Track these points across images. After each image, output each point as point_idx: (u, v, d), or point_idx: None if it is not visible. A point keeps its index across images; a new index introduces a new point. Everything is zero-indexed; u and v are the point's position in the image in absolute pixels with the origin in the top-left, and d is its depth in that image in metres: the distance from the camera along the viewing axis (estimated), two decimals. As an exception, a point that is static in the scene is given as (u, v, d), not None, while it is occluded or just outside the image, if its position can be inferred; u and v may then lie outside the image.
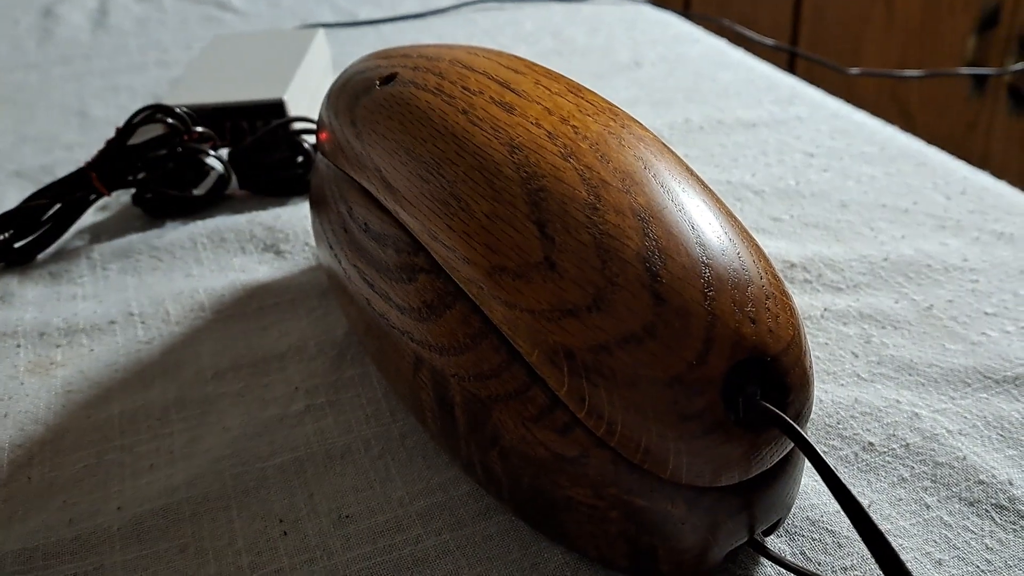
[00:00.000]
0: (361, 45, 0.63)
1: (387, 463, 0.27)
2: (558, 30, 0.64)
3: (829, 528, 0.24)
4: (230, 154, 0.42)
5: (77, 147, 0.49)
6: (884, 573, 0.17)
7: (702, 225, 0.21)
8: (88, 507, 0.26)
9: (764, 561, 0.23)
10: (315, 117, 0.47)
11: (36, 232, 0.39)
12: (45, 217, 0.39)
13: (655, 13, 0.67)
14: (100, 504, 0.26)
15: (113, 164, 0.39)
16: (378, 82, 0.28)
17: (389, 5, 0.71)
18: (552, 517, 0.23)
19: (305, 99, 0.49)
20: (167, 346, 0.33)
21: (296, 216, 0.40)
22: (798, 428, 0.19)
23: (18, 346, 0.33)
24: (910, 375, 0.29)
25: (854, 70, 0.73)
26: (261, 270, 0.37)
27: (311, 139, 0.43)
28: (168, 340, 0.33)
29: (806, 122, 0.48)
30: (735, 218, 0.22)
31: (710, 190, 0.23)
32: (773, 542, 0.24)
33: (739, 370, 0.19)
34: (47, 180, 0.46)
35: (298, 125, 0.44)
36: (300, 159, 0.43)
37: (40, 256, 0.39)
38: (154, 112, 0.39)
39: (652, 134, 0.24)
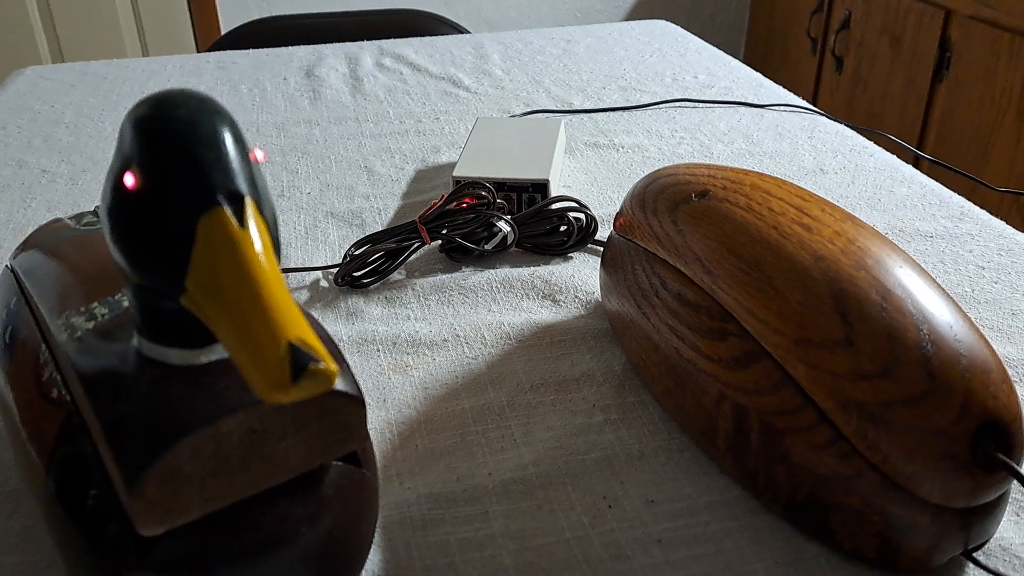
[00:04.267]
0: (580, 131, 0.75)
1: (673, 468, 0.37)
2: (748, 132, 0.75)
3: (1017, 555, 0.33)
4: (512, 219, 0.54)
5: (373, 197, 0.63)
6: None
7: (955, 326, 0.31)
8: (466, 471, 0.37)
9: (969, 569, 0.32)
10: (566, 195, 0.58)
11: (372, 265, 0.51)
12: (376, 256, 0.51)
13: (831, 124, 0.77)
14: (474, 470, 0.37)
15: (436, 221, 0.51)
16: (694, 195, 0.39)
17: (595, 95, 0.84)
18: (820, 517, 0.32)
19: (555, 177, 0.61)
20: (489, 362, 0.44)
21: (565, 273, 0.52)
22: (1022, 473, 0.28)
23: (378, 351, 0.46)
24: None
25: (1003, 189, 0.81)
26: (543, 313, 0.49)
27: (572, 215, 0.55)
28: (488, 358, 0.45)
29: (976, 238, 0.57)
30: (971, 320, 0.32)
31: (952, 298, 0.32)
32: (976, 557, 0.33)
33: (983, 430, 0.29)
34: (357, 222, 0.59)
35: (561, 204, 0.56)
36: (562, 228, 0.54)
37: (372, 285, 0.51)
38: (469, 187, 0.52)
39: (909, 256, 0.34)
